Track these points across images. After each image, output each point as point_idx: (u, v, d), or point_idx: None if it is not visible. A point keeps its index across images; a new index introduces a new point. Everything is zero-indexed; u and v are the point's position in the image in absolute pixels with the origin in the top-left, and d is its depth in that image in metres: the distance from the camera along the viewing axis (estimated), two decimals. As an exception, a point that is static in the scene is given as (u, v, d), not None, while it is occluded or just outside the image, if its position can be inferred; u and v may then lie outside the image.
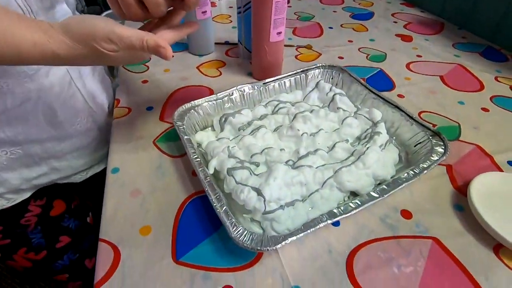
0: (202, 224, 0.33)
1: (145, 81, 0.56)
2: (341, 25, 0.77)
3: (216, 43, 0.66)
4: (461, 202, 0.35)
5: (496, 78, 0.58)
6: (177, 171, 0.39)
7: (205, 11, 0.58)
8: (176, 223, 0.33)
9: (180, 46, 0.66)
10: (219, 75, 0.58)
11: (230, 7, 0.87)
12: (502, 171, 0.39)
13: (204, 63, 0.61)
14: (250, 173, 0.34)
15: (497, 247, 0.31)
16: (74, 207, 0.51)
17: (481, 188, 0.34)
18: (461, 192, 0.37)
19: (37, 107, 0.38)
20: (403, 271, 0.29)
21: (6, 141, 0.38)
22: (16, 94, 0.36)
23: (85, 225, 0.53)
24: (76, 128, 0.44)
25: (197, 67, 0.60)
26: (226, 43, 0.68)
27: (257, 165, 0.36)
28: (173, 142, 0.44)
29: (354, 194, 0.35)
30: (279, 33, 0.50)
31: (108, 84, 0.54)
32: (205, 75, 0.58)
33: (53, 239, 0.46)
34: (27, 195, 0.43)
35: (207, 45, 0.63)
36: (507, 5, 0.65)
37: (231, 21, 0.78)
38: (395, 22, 0.79)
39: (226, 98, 0.45)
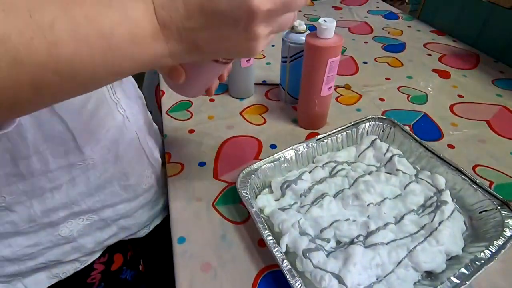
0: (279, 305, 0.34)
1: (191, 131, 0.57)
2: (375, 59, 0.77)
3: (254, 84, 0.66)
4: (537, 279, 0.35)
5: (544, 123, 0.57)
6: (243, 241, 0.40)
7: (249, 59, 0.58)
8: (253, 305, 0.34)
9: (221, 88, 0.66)
10: (264, 122, 0.58)
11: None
12: None
13: (246, 107, 0.62)
14: (325, 254, 0.34)
15: None
16: (129, 258, 0.52)
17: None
18: (535, 266, 0.36)
19: (113, 176, 0.39)
20: None
21: (86, 211, 0.39)
22: (97, 168, 0.37)
23: (139, 273, 0.54)
24: (143, 187, 0.45)
25: (241, 113, 0.60)
26: (264, 83, 0.69)
27: (328, 241, 0.36)
28: (233, 205, 0.44)
29: (427, 272, 0.35)
30: (330, 88, 0.50)
31: (158, 136, 0.55)
32: (250, 122, 0.58)
33: None
34: (97, 255, 0.44)
35: (248, 89, 0.64)
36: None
37: (264, 56, 0.79)
38: (429, 54, 0.79)
39: (282, 159, 0.45)
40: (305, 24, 0.54)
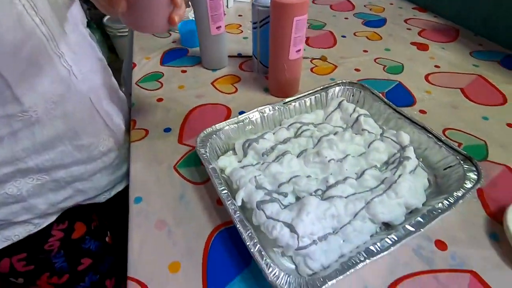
0: (232, 259, 0.33)
1: (160, 99, 0.55)
2: (354, 34, 0.76)
3: (228, 56, 0.65)
4: (497, 231, 0.34)
5: (518, 90, 0.56)
6: (201, 200, 0.39)
7: (220, 26, 0.57)
8: (205, 258, 0.33)
9: (193, 60, 0.65)
10: (235, 91, 0.57)
11: (239, 15, 0.85)
12: (535, 195, 0.38)
13: (218, 78, 0.60)
14: (280, 206, 0.33)
15: (539, 281, 0.30)
16: (94, 228, 0.50)
17: (518, 217, 0.33)
18: (496, 219, 0.36)
19: (64, 134, 0.38)
20: (444, 309, 0.29)
21: (34, 169, 0.37)
22: (43, 122, 0.35)
23: (105, 245, 0.52)
24: (99, 149, 0.43)
25: (212, 83, 0.59)
26: (239, 55, 0.67)
27: (285, 195, 0.35)
28: (195, 168, 0.43)
29: (386, 224, 0.34)
30: (298, 50, 0.49)
31: (124, 104, 0.53)
32: (221, 91, 0.57)
33: (75, 262, 0.46)
34: (52, 219, 0.43)
35: (220, 59, 0.62)
36: (527, 12, 0.63)
37: (242, 31, 0.77)
38: (409, 29, 0.78)
39: (247, 121, 0.44)
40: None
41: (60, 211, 0.43)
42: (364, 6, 0.91)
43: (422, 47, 0.70)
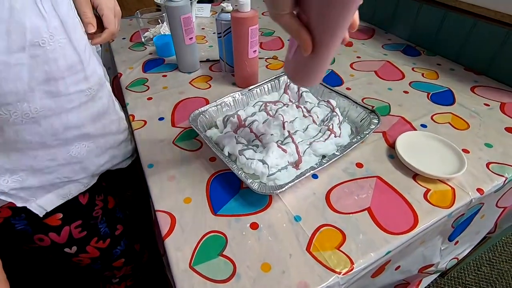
0: (226, 190, 0.48)
1: (149, 98, 0.69)
2: (297, 37, 0.96)
3: (200, 61, 0.80)
4: (392, 153, 0.54)
5: (413, 69, 0.79)
6: (198, 160, 0.53)
7: (191, 37, 0.73)
8: (208, 192, 0.48)
9: (171, 66, 0.80)
10: (209, 87, 0.73)
11: (202, 28, 1.01)
12: (416, 130, 0.59)
13: (194, 78, 0.76)
14: (254, 151, 0.49)
15: (415, 175, 0.50)
16: (119, 202, 0.63)
17: (404, 142, 0.53)
18: (392, 147, 0.55)
19: (104, 110, 0.50)
20: (360, 197, 0.47)
21: (89, 135, 0.49)
22: (96, 98, 0.48)
23: (128, 216, 0.65)
24: (122, 125, 0.56)
25: (190, 83, 0.74)
26: (208, 60, 0.83)
27: (257, 146, 0.52)
28: (189, 141, 0.57)
29: (324, 157, 0.52)
30: (255, 51, 0.66)
31: (119, 104, 0.67)
32: (198, 88, 0.72)
33: (113, 228, 0.58)
34: (95, 180, 0.54)
35: (194, 64, 0.78)
36: (417, 11, 0.87)
37: (207, 41, 0.93)
38: (338, 31, 1.00)
39: (223, 104, 0.60)
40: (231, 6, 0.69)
41: (100, 173, 0.55)
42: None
43: (348, 44, 0.92)
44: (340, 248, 0.40)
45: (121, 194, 0.68)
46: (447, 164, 0.50)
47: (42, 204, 0.48)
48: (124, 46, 0.90)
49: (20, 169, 0.43)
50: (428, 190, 0.47)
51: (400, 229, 0.42)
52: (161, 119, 0.63)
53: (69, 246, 0.54)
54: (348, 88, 0.72)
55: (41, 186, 0.46)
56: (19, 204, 0.45)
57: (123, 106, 0.68)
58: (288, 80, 0.68)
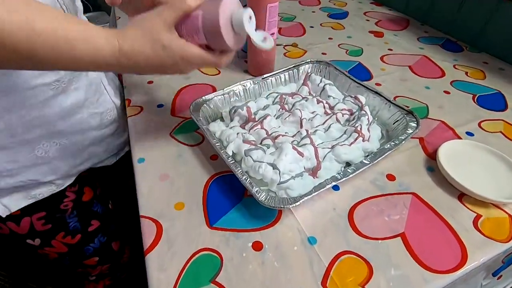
0: (227, 197, 0.40)
1: (150, 82, 0.61)
2: (321, 24, 0.86)
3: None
4: (432, 165, 0.44)
5: (454, 66, 0.68)
6: (197, 158, 0.45)
7: (202, 16, 0.64)
8: (205, 198, 0.39)
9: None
10: (218, 73, 0.64)
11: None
12: (461, 139, 0.49)
13: (202, 63, 0.67)
14: (264, 152, 0.41)
15: (461, 195, 0.40)
16: (99, 194, 0.56)
17: (446, 153, 0.43)
18: (431, 157, 0.45)
19: (81, 103, 0.44)
20: (392, 218, 0.37)
21: (59, 133, 0.43)
22: (68, 92, 0.41)
23: (108, 210, 0.57)
24: (107, 118, 0.49)
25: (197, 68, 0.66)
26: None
27: (268, 146, 0.43)
28: (188, 133, 0.49)
29: (349, 164, 0.43)
30: (272, 34, 0.57)
31: (117, 85, 0.59)
32: (206, 74, 0.64)
33: (86, 223, 0.51)
34: (71, 180, 0.48)
35: (203, 46, 0.69)
36: (460, 3, 0.76)
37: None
38: (368, 20, 0.89)
39: (232, 93, 0.52)
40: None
41: (77, 173, 0.48)
42: (329, 1, 1.01)
43: (378, 34, 0.81)
44: (366, 286, 0.31)
45: (109, 184, 0.60)
46: (502, 183, 0.40)
47: (6, 203, 0.42)
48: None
49: None
50: (478, 216, 0.38)
51: (443, 266, 0.33)
52: (160, 106, 0.55)
53: (32, 238, 0.48)
54: (378, 84, 0.62)
55: (5, 188, 0.41)
56: None
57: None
58: (309, 70, 0.58)
